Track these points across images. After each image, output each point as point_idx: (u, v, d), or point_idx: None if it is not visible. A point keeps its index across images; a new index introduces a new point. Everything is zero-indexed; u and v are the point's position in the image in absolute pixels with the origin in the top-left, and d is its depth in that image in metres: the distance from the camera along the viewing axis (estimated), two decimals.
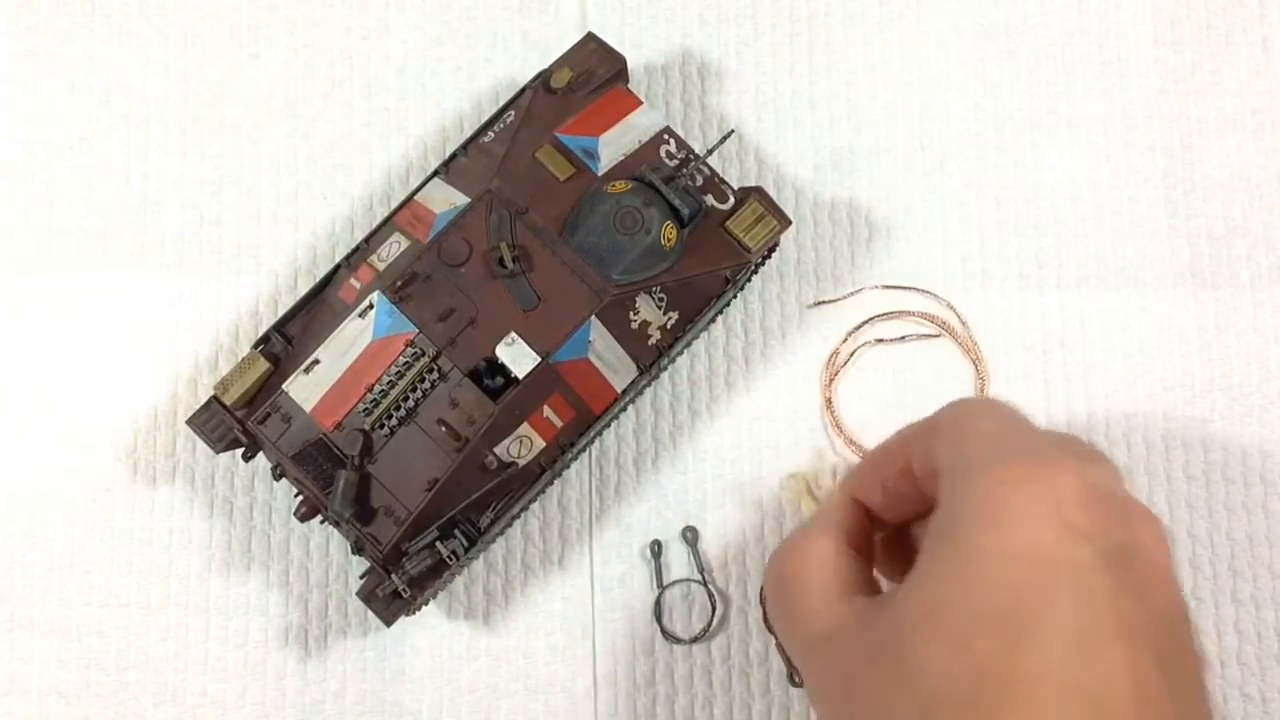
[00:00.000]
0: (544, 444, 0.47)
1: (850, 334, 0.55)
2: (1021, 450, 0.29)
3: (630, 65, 0.53)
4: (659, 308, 0.49)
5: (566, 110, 0.50)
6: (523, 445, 0.47)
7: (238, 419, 0.47)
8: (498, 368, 0.46)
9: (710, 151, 0.52)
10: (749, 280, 0.55)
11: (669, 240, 0.48)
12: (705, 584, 0.52)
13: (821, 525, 0.34)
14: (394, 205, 0.50)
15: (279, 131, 0.57)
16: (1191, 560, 0.53)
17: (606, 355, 0.48)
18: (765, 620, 0.35)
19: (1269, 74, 0.58)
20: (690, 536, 0.53)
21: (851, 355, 0.55)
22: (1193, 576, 0.53)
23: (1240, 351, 0.55)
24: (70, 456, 0.54)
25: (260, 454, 0.49)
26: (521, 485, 0.48)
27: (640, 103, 0.51)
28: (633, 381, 0.49)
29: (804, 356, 0.55)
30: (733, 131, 0.55)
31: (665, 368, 0.53)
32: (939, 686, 0.26)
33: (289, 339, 0.48)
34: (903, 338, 0.55)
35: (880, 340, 0.55)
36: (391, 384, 0.46)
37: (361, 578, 0.48)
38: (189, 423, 0.48)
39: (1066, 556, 0.26)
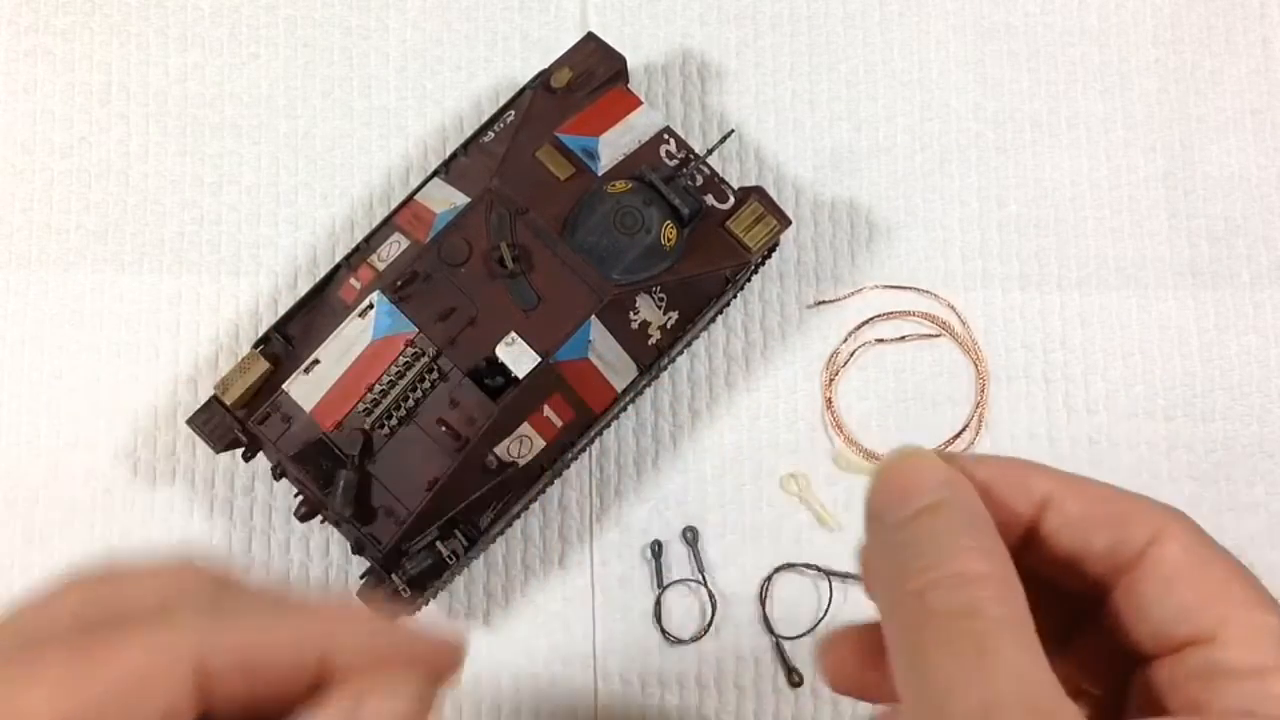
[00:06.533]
0: (544, 444, 0.47)
1: (850, 334, 0.55)
2: None
3: (630, 65, 0.53)
4: (659, 308, 0.49)
5: (566, 110, 0.50)
6: (523, 445, 0.47)
7: (238, 419, 0.47)
8: (498, 368, 0.46)
9: (710, 151, 0.52)
10: (749, 280, 0.55)
11: (669, 240, 0.48)
12: (705, 584, 0.52)
13: (1000, 626, 0.20)
14: (394, 205, 0.50)
15: (279, 131, 0.57)
16: None
17: (606, 355, 0.48)
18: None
19: (1269, 74, 0.58)
20: (690, 536, 0.53)
21: (851, 355, 0.55)
22: None
23: (1240, 351, 0.55)
24: (70, 457, 0.54)
25: (260, 454, 0.49)
26: (521, 485, 0.47)
27: (640, 103, 0.51)
28: (633, 381, 0.49)
29: (804, 356, 0.55)
30: (733, 131, 0.55)
31: (665, 368, 0.53)
32: None
33: (289, 339, 0.48)
34: (903, 338, 0.55)
35: (880, 340, 0.55)
36: (392, 384, 0.46)
37: (361, 578, 0.48)
38: (189, 423, 0.48)
39: None
